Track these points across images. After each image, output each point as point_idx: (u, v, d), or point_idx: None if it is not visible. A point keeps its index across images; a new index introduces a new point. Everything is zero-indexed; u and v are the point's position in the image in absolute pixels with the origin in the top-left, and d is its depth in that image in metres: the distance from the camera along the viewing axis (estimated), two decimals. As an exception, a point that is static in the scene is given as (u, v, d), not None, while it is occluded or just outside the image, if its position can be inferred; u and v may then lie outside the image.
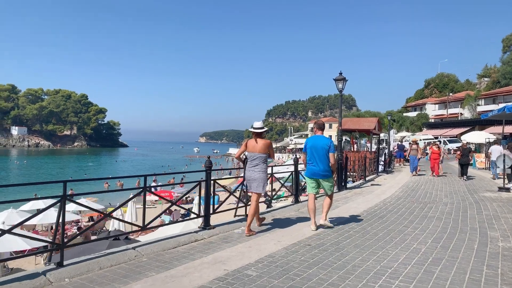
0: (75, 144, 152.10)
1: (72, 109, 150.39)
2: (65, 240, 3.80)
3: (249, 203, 5.87)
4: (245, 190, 6.11)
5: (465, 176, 15.10)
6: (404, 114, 71.73)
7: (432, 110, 66.94)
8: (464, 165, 15.24)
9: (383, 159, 19.20)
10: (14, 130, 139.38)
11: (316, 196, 6.13)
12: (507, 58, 61.00)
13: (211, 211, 5.64)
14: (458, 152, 15.75)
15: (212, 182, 5.66)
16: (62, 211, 3.63)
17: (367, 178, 14.68)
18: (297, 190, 8.51)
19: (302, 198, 8.79)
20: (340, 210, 7.91)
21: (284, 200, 13.87)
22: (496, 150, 14.60)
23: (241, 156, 5.81)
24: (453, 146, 38.24)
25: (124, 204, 6.94)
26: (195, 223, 7.92)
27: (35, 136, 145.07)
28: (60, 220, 3.68)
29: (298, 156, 9.32)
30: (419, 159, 17.21)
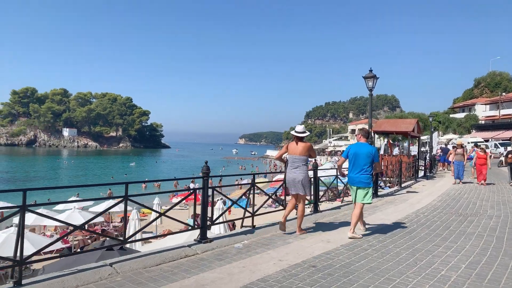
0: (120, 145, 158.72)
1: (118, 111, 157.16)
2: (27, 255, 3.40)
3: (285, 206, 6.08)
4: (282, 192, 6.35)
5: None
6: (451, 115, 67.57)
7: (483, 111, 62.56)
8: None
9: (423, 163, 17.77)
10: (65, 132, 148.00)
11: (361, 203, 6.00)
12: None
13: (208, 222, 5.09)
14: (510, 156, 14.68)
15: (211, 189, 5.12)
16: (21, 223, 3.23)
17: (404, 184, 13.53)
18: (316, 198, 7.77)
19: (321, 207, 8.05)
20: (325, 236, 6.84)
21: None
22: None
23: (283, 157, 6.04)
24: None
25: (98, 214, 6.46)
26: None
27: (83, 137, 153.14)
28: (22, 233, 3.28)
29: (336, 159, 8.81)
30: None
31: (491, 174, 17.23)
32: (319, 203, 7.98)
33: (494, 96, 63.41)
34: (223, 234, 5.40)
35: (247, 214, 6.10)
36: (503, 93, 60.99)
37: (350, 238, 5.62)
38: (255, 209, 6.11)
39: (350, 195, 7.19)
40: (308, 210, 7.52)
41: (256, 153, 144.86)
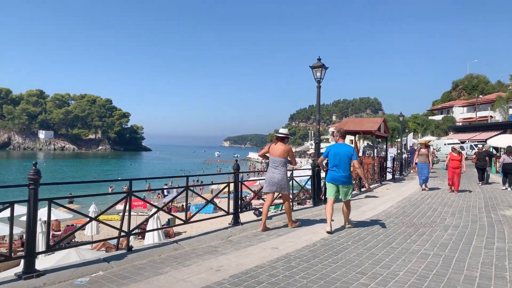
0: (99, 147, 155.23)
1: (97, 113, 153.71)
2: None
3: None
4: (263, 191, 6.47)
5: (483, 181, 14.92)
6: (430, 117, 67.72)
7: (460, 113, 62.88)
8: (482, 170, 14.93)
9: (390, 165, 16.71)
10: (41, 134, 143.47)
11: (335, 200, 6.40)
12: (544, 56, 56.48)
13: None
14: (474, 156, 15.28)
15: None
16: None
17: (366, 188, 12.37)
18: (236, 208, 6.45)
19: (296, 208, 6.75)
20: (285, 238, 5.70)
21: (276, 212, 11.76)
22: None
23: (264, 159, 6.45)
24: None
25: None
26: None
27: (61, 140, 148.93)
28: None
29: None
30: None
31: (465, 177, 16.26)
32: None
33: (471, 99, 63.74)
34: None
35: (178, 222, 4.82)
36: (480, 96, 61.34)
37: (331, 230, 6.03)
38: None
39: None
40: (227, 223, 6.22)
41: (238, 155, 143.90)
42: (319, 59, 8.89)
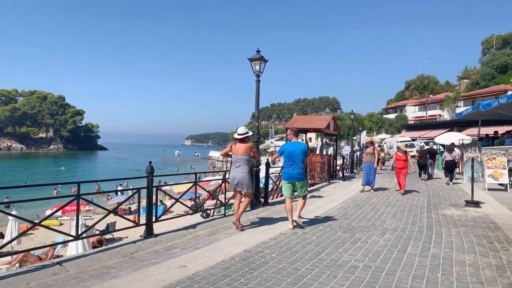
0: (51, 147, 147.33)
1: (48, 110, 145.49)
2: None
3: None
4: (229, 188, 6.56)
5: (425, 176, 15.74)
6: (384, 116, 69.89)
7: (412, 112, 65.35)
8: (423, 166, 15.69)
9: (341, 163, 16.49)
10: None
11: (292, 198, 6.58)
12: (486, 59, 60.00)
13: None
14: (417, 154, 16.37)
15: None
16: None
17: (314, 187, 11.94)
18: (150, 218, 5.64)
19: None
20: (203, 251, 4.93)
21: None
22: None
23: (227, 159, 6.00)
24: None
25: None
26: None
27: (7, 139, 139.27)
28: None
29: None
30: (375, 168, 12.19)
31: (414, 175, 16.41)
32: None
33: (422, 98, 66.41)
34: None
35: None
36: (430, 95, 64.05)
37: (294, 220, 6.32)
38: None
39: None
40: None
41: (199, 154, 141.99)
42: (258, 51, 8.23)
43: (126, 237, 15.25)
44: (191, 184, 7.09)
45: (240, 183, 6.11)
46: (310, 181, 12.07)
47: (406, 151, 12.21)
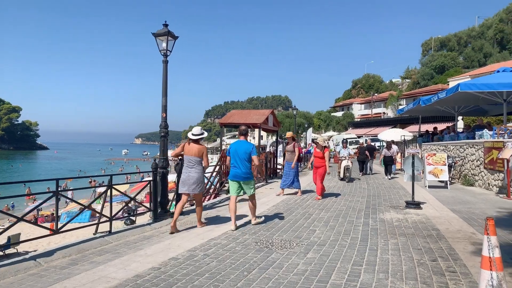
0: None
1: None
2: None
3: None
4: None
5: (363, 171, 16.34)
6: (332, 114, 70.97)
7: (358, 110, 66.82)
8: (362, 162, 16.42)
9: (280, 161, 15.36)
10: None
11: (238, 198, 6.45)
12: (426, 60, 62.77)
13: None
14: (356, 151, 17.09)
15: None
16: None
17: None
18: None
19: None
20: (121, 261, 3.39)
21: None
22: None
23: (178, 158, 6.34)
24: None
25: None
26: None
27: None
28: None
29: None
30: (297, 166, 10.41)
31: (355, 172, 15.79)
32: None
33: (368, 96, 68.18)
34: None
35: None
36: (375, 94, 65.90)
37: (253, 225, 6.34)
38: None
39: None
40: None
41: (148, 153, 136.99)
42: (165, 25, 6.65)
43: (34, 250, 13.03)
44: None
45: (195, 184, 5.99)
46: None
47: (325, 147, 9.86)
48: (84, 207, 5.67)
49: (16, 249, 13.57)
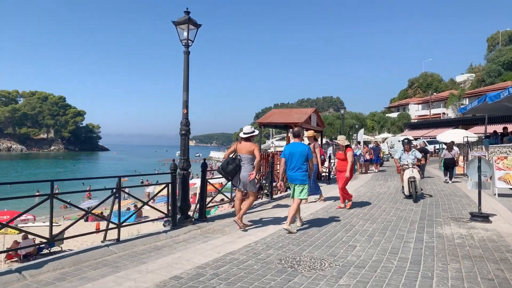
0: (52, 148, 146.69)
1: (49, 111, 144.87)
2: None
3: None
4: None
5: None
6: (387, 115, 67.46)
7: (415, 111, 62.86)
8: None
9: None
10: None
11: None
12: (492, 56, 57.48)
13: None
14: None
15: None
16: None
17: (275, 196, 9.61)
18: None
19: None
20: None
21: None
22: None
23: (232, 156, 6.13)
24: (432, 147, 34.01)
25: None
26: None
27: (7, 140, 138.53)
28: None
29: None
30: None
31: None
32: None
33: (426, 96, 63.93)
34: None
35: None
36: (434, 93, 61.57)
37: (285, 229, 5.86)
38: None
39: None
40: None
41: (200, 155, 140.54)
42: (186, 12, 6.04)
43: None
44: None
45: (243, 182, 5.94)
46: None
47: (347, 146, 8.39)
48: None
49: (61, 247, 13.87)
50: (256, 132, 6.16)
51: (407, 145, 9.82)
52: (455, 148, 14.78)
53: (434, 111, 56.71)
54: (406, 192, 9.37)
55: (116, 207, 4.93)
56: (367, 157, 19.53)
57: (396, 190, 11.58)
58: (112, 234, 5.00)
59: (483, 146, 17.85)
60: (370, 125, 63.53)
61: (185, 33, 6.06)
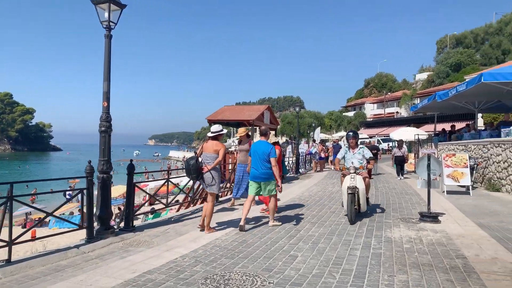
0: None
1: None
2: None
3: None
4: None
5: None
6: (344, 113, 68.93)
7: (371, 110, 64.66)
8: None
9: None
10: None
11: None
12: (441, 58, 60.25)
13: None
14: None
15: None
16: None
17: (222, 198, 8.97)
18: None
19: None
20: None
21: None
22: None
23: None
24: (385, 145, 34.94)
25: None
26: None
27: None
28: None
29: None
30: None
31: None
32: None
33: (381, 96, 65.94)
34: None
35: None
36: (388, 93, 63.64)
37: (271, 226, 6.20)
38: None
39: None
40: None
41: (159, 154, 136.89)
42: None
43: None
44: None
45: (208, 183, 5.81)
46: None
47: (275, 143, 7.42)
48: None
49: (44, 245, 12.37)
50: (224, 131, 6.17)
51: (353, 139, 7.20)
52: (404, 146, 15.48)
53: (389, 110, 58.59)
54: (346, 207, 6.71)
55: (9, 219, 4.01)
56: (322, 155, 19.40)
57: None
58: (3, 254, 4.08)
59: (432, 143, 18.25)
60: (328, 124, 64.59)
61: (106, 14, 5.21)
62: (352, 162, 7.00)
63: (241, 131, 8.50)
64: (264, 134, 6.58)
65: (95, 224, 5.11)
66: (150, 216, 16.07)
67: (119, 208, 21.57)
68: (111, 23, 5.25)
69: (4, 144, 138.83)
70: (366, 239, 5.31)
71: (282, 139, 60.33)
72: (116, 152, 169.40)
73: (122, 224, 5.70)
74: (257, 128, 10.94)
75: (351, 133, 7.37)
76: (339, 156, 7.54)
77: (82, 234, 5.13)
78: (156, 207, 18.17)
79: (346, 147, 7.41)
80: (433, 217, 6.58)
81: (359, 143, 7.44)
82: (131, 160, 5.90)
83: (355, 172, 6.76)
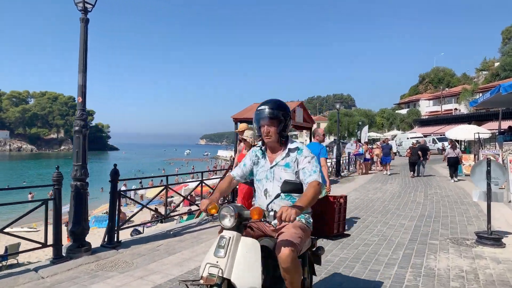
0: (62, 147, 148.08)
1: (59, 111, 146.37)
2: None
3: None
4: None
5: (414, 173, 15.06)
6: (397, 111, 65.06)
7: (426, 107, 60.32)
8: (414, 164, 15.08)
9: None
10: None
11: None
12: (507, 49, 54.55)
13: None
14: (408, 151, 15.44)
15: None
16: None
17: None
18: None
19: None
20: None
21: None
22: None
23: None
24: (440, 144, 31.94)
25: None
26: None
27: (17, 140, 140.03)
28: None
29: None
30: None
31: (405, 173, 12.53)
32: None
33: (437, 92, 61.36)
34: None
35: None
36: (446, 88, 58.99)
37: None
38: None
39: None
40: None
41: (209, 153, 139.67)
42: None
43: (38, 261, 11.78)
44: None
45: None
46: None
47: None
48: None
49: (17, 259, 12.49)
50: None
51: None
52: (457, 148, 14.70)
53: (446, 106, 54.19)
54: None
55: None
56: (367, 156, 17.76)
57: (392, 196, 9.89)
58: None
59: (496, 143, 15.95)
60: (379, 122, 61.35)
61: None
62: (267, 192, 2.50)
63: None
64: (312, 135, 6.73)
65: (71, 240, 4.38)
66: (184, 218, 15.56)
67: (156, 209, 21.42)
68: (86, 4, 4.51)
69: (68, 144, 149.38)
70: (400, 269, 4.08)
71: (330, 138, 58.18)
72: (170, 151, 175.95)
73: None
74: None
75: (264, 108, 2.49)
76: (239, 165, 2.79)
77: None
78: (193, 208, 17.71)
79: (259, 148, 2.62)
80: (495, 240, 5.13)
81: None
82: (115, 165, 5.13)
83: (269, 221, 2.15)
